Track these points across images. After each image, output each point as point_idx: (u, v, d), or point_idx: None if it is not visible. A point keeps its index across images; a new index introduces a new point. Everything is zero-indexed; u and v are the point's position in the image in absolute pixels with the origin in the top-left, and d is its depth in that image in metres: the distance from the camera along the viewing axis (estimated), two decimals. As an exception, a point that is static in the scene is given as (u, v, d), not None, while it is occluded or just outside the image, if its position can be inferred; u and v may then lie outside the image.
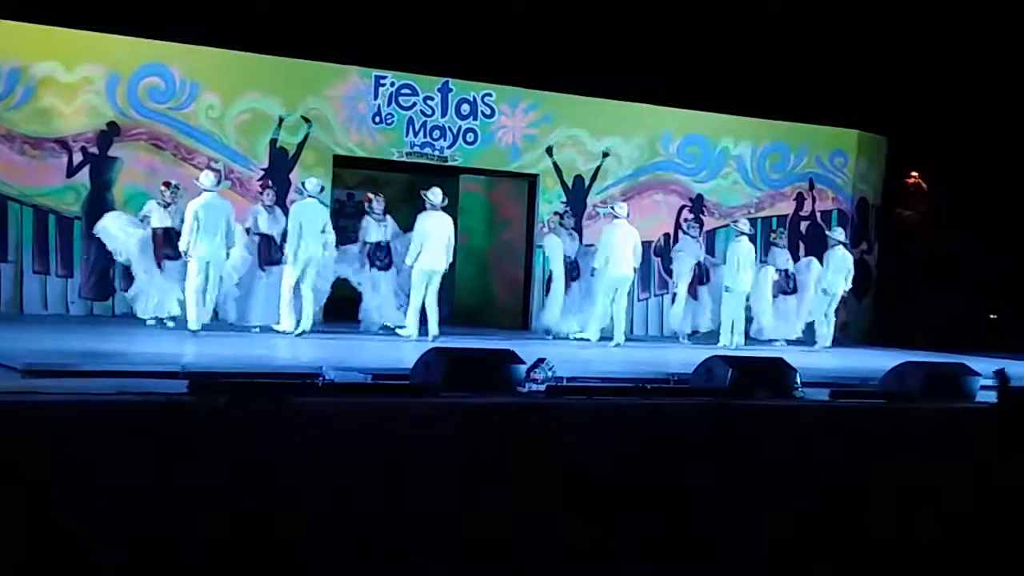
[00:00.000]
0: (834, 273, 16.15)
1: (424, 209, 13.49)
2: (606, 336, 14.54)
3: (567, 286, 15.02)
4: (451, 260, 13.65)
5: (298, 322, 12.89)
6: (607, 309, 14.53)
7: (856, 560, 4.24)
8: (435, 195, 13.48)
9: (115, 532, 3.83)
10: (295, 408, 6.73)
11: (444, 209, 13.65)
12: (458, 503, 4.48)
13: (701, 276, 15.87)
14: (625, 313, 14.77)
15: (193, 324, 12.33)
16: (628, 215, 14.75)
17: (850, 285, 16.32)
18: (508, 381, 8.67)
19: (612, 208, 15.11)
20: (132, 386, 7.40)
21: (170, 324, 12.89)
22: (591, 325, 14.63)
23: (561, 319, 14.99)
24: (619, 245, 14.40)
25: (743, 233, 15.64)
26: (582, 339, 14.60)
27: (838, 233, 16.73)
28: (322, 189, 13.66)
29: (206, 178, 12.82)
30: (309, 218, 12.90)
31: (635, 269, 14.80)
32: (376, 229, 13.98)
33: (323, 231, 13.02)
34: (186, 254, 12.49)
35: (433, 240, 13.30)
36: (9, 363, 8.42)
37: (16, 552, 3.66)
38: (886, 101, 17.80)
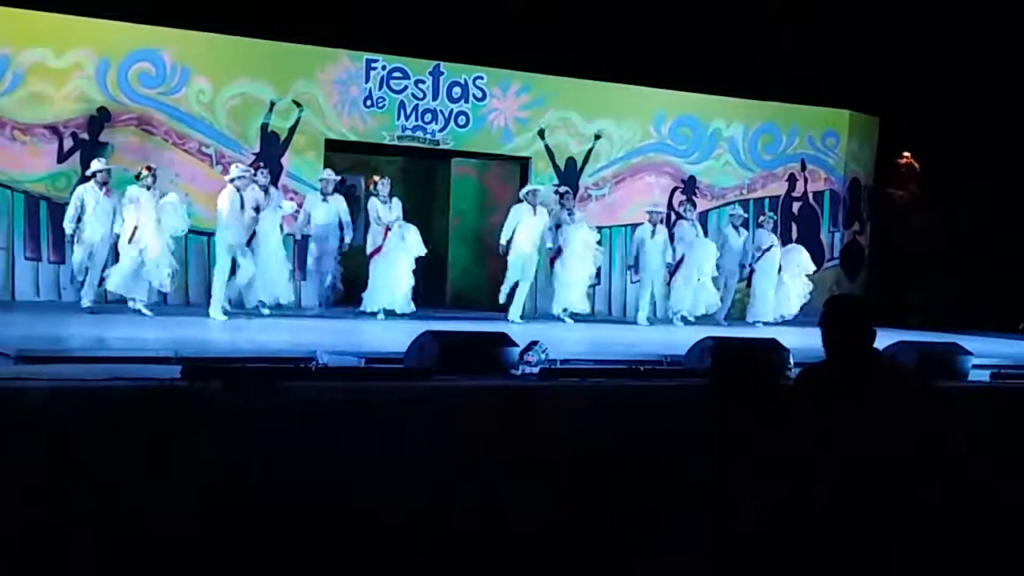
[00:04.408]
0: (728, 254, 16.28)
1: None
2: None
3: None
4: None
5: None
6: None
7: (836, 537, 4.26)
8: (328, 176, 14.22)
9: (107, 516, 3.84)
10: (286, 392, 6.72)
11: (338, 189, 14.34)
12: (451, 485, 4.50)
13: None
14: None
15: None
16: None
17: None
18: (501, 364, 8.68)
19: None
20: (125, 372, 7.39)
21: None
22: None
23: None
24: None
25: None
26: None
27: (737, 214, 16.86)
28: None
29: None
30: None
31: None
32: (383, 211, 13.99)
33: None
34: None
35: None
36: (2, 349, 8.41)
37: (7, 537, 3.67)
38: (878, 81, 17.78)
